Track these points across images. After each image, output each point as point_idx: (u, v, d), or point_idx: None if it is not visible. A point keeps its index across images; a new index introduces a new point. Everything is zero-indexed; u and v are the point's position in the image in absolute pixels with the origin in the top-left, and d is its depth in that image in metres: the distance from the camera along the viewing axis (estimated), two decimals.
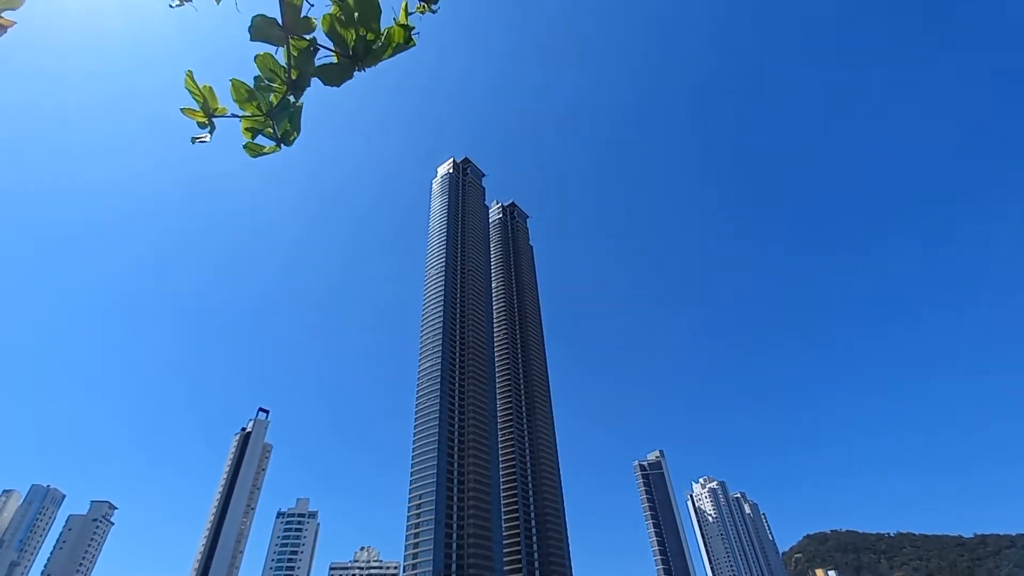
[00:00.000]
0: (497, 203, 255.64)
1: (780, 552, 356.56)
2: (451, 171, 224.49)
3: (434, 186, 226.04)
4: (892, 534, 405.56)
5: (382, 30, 2.27)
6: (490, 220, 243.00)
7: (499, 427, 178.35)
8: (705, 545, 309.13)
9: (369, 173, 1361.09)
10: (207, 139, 2.56)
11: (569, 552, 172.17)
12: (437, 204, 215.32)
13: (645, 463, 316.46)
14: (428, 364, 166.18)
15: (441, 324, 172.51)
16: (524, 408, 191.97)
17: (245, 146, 2.55)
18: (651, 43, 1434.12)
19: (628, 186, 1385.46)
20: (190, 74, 2.41)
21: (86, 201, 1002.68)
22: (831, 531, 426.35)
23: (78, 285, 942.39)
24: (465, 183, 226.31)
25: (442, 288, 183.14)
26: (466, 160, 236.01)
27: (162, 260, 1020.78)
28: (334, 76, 2.28)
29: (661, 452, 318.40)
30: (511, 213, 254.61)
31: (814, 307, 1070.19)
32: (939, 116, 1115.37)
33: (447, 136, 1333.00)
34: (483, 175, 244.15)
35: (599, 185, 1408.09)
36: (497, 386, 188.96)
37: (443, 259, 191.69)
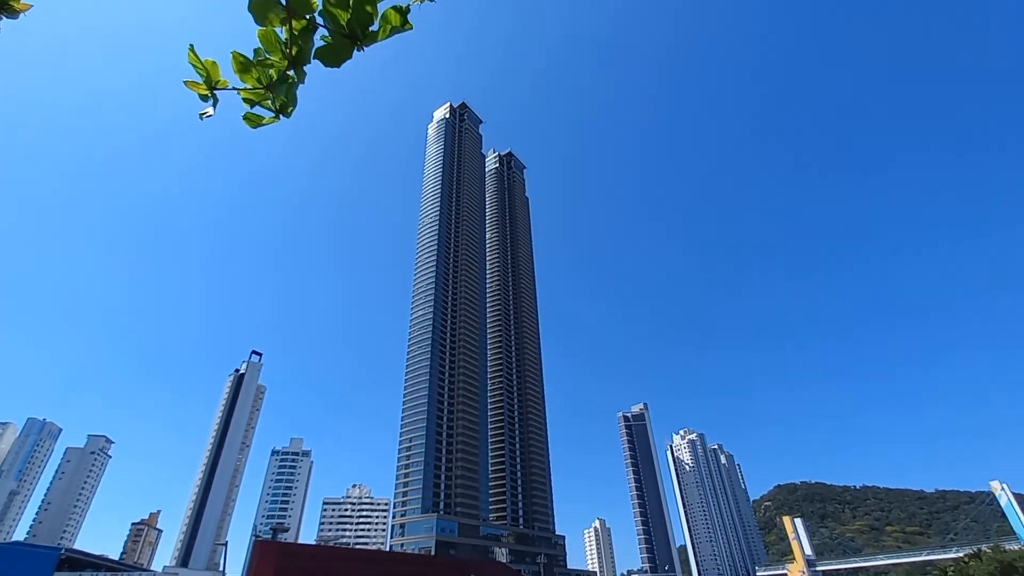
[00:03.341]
0: (494, 152, 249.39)
1: (751, 500, 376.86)
2: (448, 116, 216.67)
3: (430, 131, 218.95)
4: (857, 487, 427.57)
5: (379, 12, 2.34)
6: (486, 169, 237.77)
7: (489, 375, 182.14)
8: (681, 492, 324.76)
9: (366, 113, 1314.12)
10: (211, 112, 2.67)
11: (552, 494, 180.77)
12: (432, 150, 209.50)
13: (629, 415, 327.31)
14: (420, 312, 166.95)
15: (434, 272, 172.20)
16: (514, 357, 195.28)
17: (245, 116, 2.68)
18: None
19: (627, 137, 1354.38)
20: (192, 48, 2.46)
21: (89, 128, 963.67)
22: (801, 482, 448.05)
23: (74, 217, 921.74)
24: (462, 129, 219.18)
25: (436, 236, 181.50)
26: (463, 105, 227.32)
27: (159, 198, 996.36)
28: (333, 57, 2.36)
29: (645, 405, 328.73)
30: (508, 163, 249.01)
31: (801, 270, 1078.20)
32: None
33: (444, 79, 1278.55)
34: (481, 122, 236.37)
35: (597, 137, 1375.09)
36: (488, 334, 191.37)
37: (437, 207, 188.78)
